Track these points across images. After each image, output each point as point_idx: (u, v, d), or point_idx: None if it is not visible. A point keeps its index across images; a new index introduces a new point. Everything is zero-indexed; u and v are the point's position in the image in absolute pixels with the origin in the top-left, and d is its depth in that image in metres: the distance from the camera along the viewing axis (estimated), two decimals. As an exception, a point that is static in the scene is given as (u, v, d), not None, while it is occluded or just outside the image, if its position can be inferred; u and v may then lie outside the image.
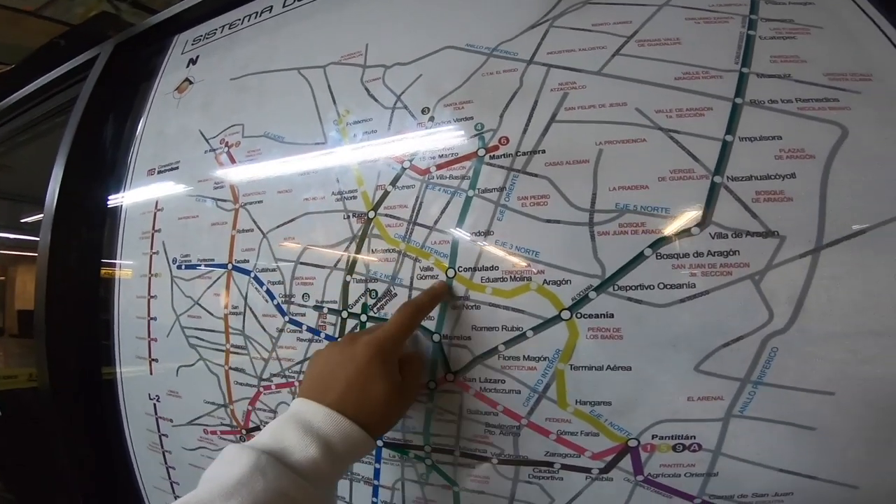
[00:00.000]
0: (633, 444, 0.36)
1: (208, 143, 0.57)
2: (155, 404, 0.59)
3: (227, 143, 0.55)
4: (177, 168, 0.60)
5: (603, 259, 0.36)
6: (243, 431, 0.51)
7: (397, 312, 0.38)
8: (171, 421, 0.57)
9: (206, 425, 0.54)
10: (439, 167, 0.42)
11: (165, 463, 0.60)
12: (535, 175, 0.39)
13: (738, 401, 0.34)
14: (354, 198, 0.45)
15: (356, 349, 0.36)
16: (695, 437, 0.35)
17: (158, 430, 0.59)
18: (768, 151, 0.34)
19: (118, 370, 0.63)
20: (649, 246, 0.35)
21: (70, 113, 0.72)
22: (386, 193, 0.44)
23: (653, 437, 0.35)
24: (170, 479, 0.60)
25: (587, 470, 0.37)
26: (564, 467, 0.38)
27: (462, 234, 0.40)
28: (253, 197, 0.52)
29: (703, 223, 0.35)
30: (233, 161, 0.54)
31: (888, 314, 0.32)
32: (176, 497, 0.60)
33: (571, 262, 0.37)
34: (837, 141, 0.33)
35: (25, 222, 0.90)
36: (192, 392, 0.55)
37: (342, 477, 0.37)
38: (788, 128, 0.34)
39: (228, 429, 0.52)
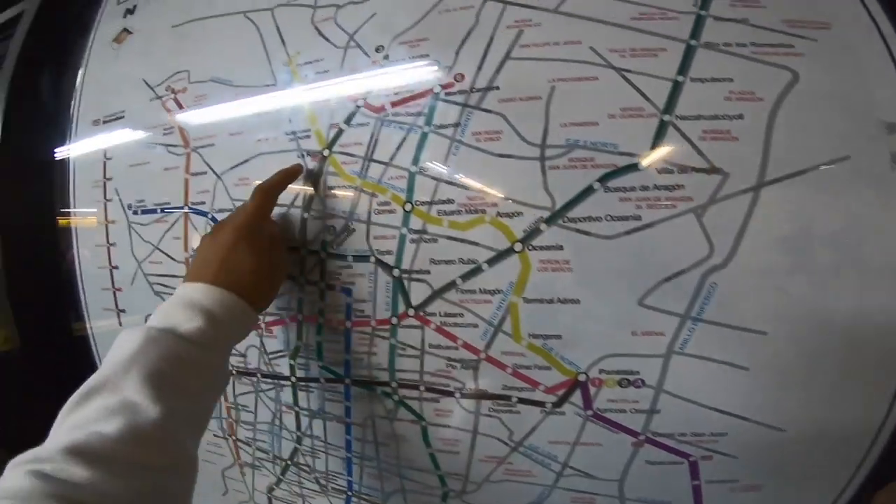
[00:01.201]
0: (582, 378, 0.37)
1: (153, 90, 0.54)
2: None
3: (172, 89, 0.53)
4: (122, 117, 0.57)
5: (553, 192, 0.36)
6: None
7: (252, 195, 0.41)
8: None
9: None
10: (394, 104, 0.41)
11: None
12: (489, 111, 0.38)
13: (679, 337, 0.35)
14: (308, 137, 0.44)
15: (224, 234, 0.40)
16: (639, 373, 0.36)
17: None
18: (718, 93, 0.34)
19: (88, 324, 0.62)
20: (597, 180, 0.35)
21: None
22: (340, 132, 0.43)
23: (600, 371, 0.37)
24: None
25: (541, 404, 0.38)
26: (521, 401, 0.39)
27: (418, 170, 0.40)
28: (204, 141, 0.50)
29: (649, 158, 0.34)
30: (180, 107, 0.52)
31: (822, 254, 0.33)
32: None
33: (523, 195, 0.37)
34: (787, 85, 0.33)
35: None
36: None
37: (231, 348, 0.39)
38: (741, 71, 0.34)
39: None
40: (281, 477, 0.53)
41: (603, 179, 0.35)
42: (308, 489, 0.52)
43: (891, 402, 0.34)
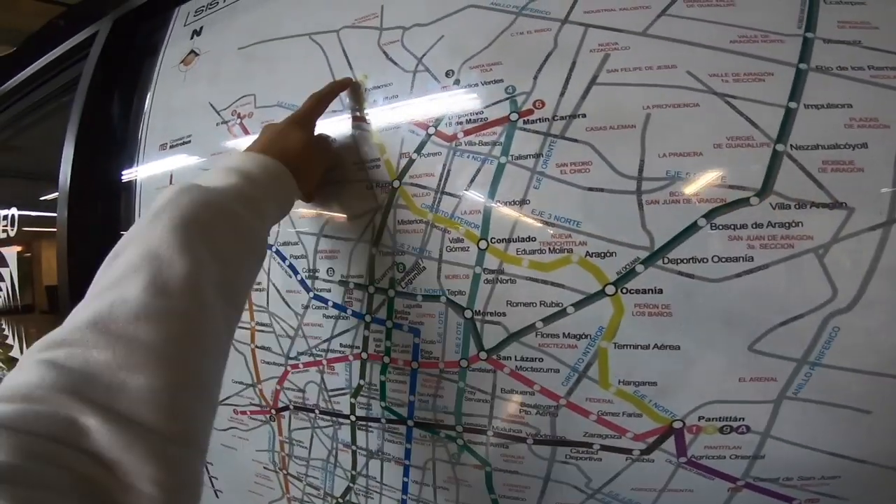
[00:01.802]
0: (677, 425, 0.33)
1: (219, 114, 0.53)
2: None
3: (239, 114, 0.51)
4: (189, 142, 0.56)
5: (651, 230, 0.32)
6: (273, 411, 0.49)
7: (306, 101, 0.42)
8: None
9: (236, 405, 0.52)
10: (467, 133, 0.38)
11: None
12: (576, 140, 0.34)
13: (793, 382, 0.31)
14: (378, 167, 0.41)
15: (280, 126, 0.40)
16: (743, 420, 0.32)
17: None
18: (837, 120, 0.30)
19: None
20: (703, 216, 0.31)
21: (75, 92, 0.68)
22: (411, 161, 0.40)
23: (699, 418, 0.32)
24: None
25: (628, 451, 0.34)
26: (604, 448, 0.35)
27: (495, 204, 0.36)
28: None
29: (763, 193, 0.30)
30: (246, 132, 0.51)
31: None
32: (212, 479, 0.59)
33: (616, 233, 0.33)
34: None
35: (44, 200, 0.87)
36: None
37: (270, 218, 0.36)
38: (860, 96, 0.30)
39: (258, 408, 0.50)
40: (332, 515, 0.50)
41: (709, 216, 0.31)
42: (360, 529, 0.49)
43: None
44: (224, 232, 0.30)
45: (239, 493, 0.56)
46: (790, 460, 0.32)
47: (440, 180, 0.39)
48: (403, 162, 0.40)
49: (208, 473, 0.58)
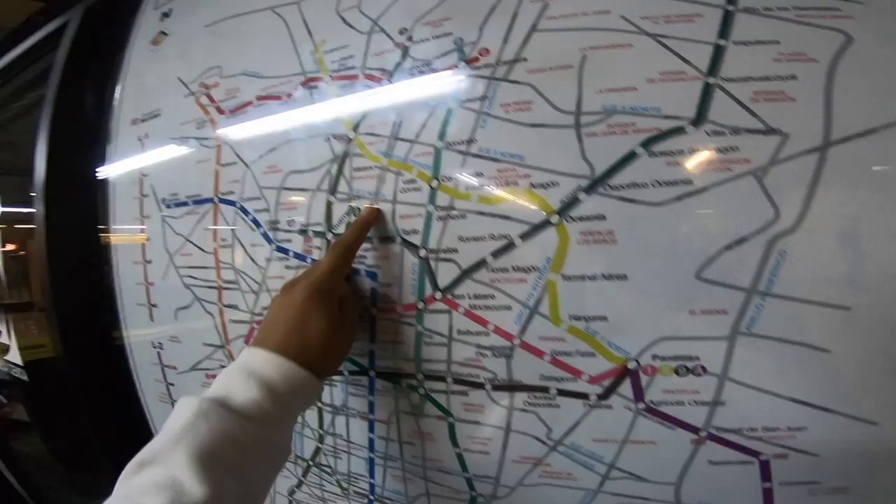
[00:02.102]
0: (632, 366, 0.33)
1: (187, 87, 0.55)
2: (159, 352, 0.57)
3: (205, 84, 0.53)
4: (159, 115, 0.58)
5: (591, 159, 0.33)
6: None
7: (328, 253, 0.38)
8: (176, 368, 0.55)
9: (208, 369, 0.52)
10: (419, 83, 0.39)
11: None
12: (518, 82, 0.35)
13: (745, 315, 0.30)
14: (336, 120, 0.43)
15: (295, 294, 0.36)
16: (699, 359, 0.31)
17: (165, 380, 0.57)
18: (766, 55, 0.31)
19: (123, 321, 0.61)
20: (640, 144, 0.32)
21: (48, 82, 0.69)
22: (365, 115, 0.41)
23: (653, 357, 0.32)
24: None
25: (584, 395, 0.34)
26: (561, 392, 0.35)
27: (445, 145, 0.37)
28: (234, 132, 0.50)
29: (697, 122, 0.31)
30: (212, 101, 0.52)
31: None
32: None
33: (558, 165, 0.34)
34: (841, 47, 0.29)
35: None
36: (191, 336, 0.53)
37: (294, 420, 0.36)
38: (787, 34, 0.30)
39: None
40: (302, 479, 0.50)
41: (647, 144, 0.32)
42: (329, 492, 0.49)
43: None
44: (243, 457, 0.32)
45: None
46: (751, 407, 0.31)
47: (393, 128, 0.40)
48: (358, 116, 0.42)
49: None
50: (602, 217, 0.33)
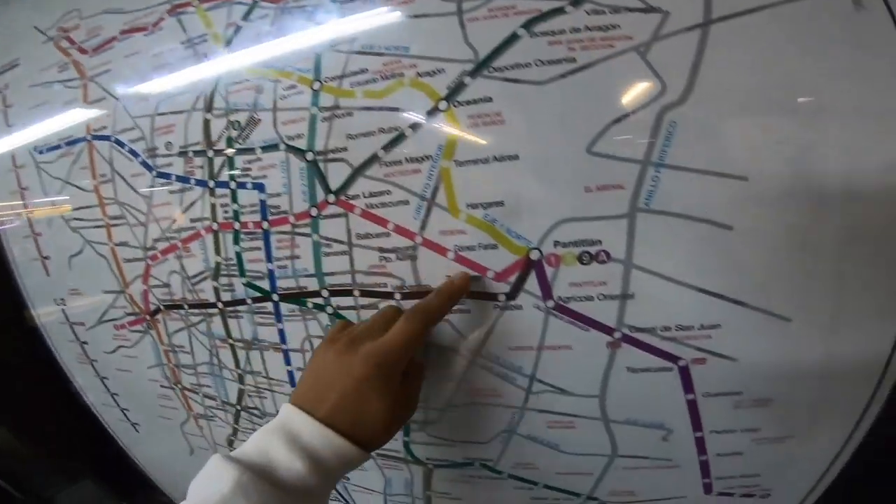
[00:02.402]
0: (535, 256, 0.31)
1: (44, 34, 0.50)
2: (63, 309, 0.53)
3: (64, 28, 0.48)
4: (18, 65, 0.52)
5: (475, 43, 0.31)
6: (147, 317, 0.46)
7: (404, 320, 0.31)
8: (84, 325, 0.51)
9: (114, 319, 0.48)
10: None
11: (98, 374, 0.54)
12: (397, -24, 0.32)
13: (642, 189, 0.29)
14: (206, 41, 0.39)
15: (355, 360, 0.30)
16: (601, 243, 0.30)
17: (77, 339, 0.53)
18: None
19: (19, 279, 0.57)
20: (521, 26, 0.30)
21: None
22: (238, 29, 0.37)
23: (555, 244, 0.31)
24: (108, 391, 0.55)
25: (493, 297, 0.32)
26: (470, 295, 0.33)
27: (325, 46, 0.34)
28: (100, 69, 0.45)
29: (576, 1, 0.28)
30: (72, 43, 0.47)
31: (794, 89, 0.27)
32: (124, 412, 0.56)
33: (443, 52, 0.31)
34: None
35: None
36: (90, 285, 0.49)
37: (334, 487, 0.32)
38: None
39: (133, 318, 0.47)
40: (236, 426, 0.47)
41: (528, 25, 0.29)
42: (265, 436, 0.47)
43: None
44: None
45: (151, 420, 0.54)
46: (661, 300, 0.30)
47: (269, 38, 0.36)
48: (231, 31, 0.38)
49: (119, 406, 0.55)
50: (489, 99, 0.31)
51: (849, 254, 0.27)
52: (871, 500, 0.35)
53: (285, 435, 0.29)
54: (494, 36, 0.30)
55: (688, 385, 0.31)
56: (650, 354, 0.31)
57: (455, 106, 0.31)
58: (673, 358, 0.31)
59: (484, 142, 0.31)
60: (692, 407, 0.32)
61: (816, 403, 0.31)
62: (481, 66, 0.31)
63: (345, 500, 0.48)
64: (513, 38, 0.30)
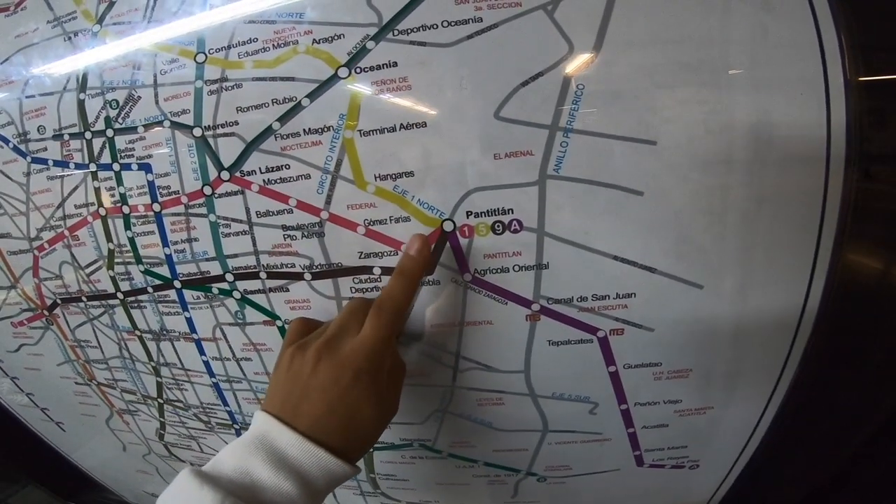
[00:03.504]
0: (448, 227, 0.29)
1: None
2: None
3: None
4: None
5: (378, 6, 0.28)
6: (45, 312, 0.42)
7: (375, 315, 0.28)
8: (-22, 323, 0.47)
9: (10, 317, 0.44)
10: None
11: (6, 374, 0.50)
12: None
13: (551, 155, 0.27)
14: (74, 18, 0.34)
15: (338, 367, 0.28)
16: (513, 212, 0.29)
17: (-24, 339, 0.49)
18: None
19: None
20: None
21: None
22: (111, 4, 0.33)
23: (468, 214, 0.29)
24: (22, 391, 0.51)
25: None
26: (385, 271, 0.31)
27: (208, 17, 0.31)
28: None
29: None
30: None
31: (701, 50, 0.26)
32: (44, 411, 0.52)
33: (343, 16, 0.28)
34: None
35: None
36: (-25, 282, 0.45)
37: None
38: None
39: (31, 314, 0.43)
40: (161, 419, 0.45)
41: None
42: (194, 428, 0.44)
43: (816, 243, 0.27)
44: None
45: (75, 419, 0.50)
46: (576, 270, 0.29)
47: (146, 11, 0.32)
48: (103, 7, 0.34)
49: (38, 406, 0.52)
50: (394, 64, 0.28)
51: (757, 218, 0.27)
52: (792, 466, 0.36)
53: (268, 452, 0.26)
54: (399, -2, 0.28)
55: (608, 357, 0.31)
56: (569, 326, 0.30)
57: (357, 73, 0.28)
58: (592, 329, 0.30)
59: (390, 109, 0.28)
60: (615, 379, 0.31)
61: (733, 372, 0.31)
62: (385, 29, 0.28)
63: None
64: (417, -1, 0.27)
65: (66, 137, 0.35)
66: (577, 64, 0.26)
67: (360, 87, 0.28)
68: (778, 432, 0.33)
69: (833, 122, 0.25)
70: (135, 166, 0.33)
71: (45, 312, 0.42)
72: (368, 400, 0.28)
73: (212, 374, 0.39)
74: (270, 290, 0.33)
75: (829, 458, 0.37)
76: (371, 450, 0.38)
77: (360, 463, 0.37)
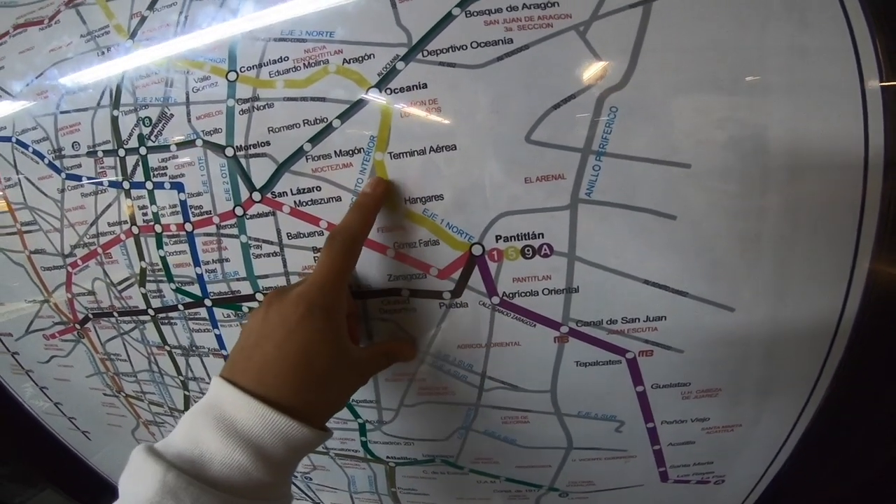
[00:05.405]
0: (477, 251, 0.29)
1: None
2: (-12, 321, 0.49)
3: None
4: None
5: (407, 25, 0.28)
6: (77, 326, 0.43)
7: (325, 250, 0.27)
8: (12, 335, 0.47)
9: (42, 329, 0.45)
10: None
11: (37, 384, 0.51)
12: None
13: (584, 179, 0.27)
14: (107, 33, 0.35)
15: (283, 309, 0.25)
16: (543, 236, 0.28)
17: (8, 350, 0.49)
18: None
19: None
20: (456, 5, 0.27)
21: None
22: (143, 19, 0.34)
23: (497, 238, 0.29)
24: (51, 400, 0.52)
25: (438, 294, 0.30)
26: (414, 293, 0.31)
27: (239, 34, 0.31)
28: None
29: None
30: None
31: (737, 68, 0.25)
32: (71, 420, 0.53)
33: (372, 36, 0.28)
34: None
35: None
36: (10, 295, 0.45)
37: (293, 474, 0.27)
38: None
39: (62, 327, 0.43)
40: (187, 432, 0.45)
41: (462, 4, 0.27)
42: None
43: (853, 257, 0.26)
44: None
45: (101, 428, 0.51)
46: (606, 293, 0.28)
47: (177, 27, 0.32)
48: (135, 22, 0.34)
49: (65, 416, 0.52)
50: (424, 86, 0.28)
51: (793, 239, 0.26)
52: (819, 482, 0.35)
53: (217, 420, 0.23)
54: (428, 16, 0.27)
55: (637, 377, 0.30)
56: (598, 348, 0.30)
57: (387, 94, 0.28)
58: (620, 351, 0.30)
59: (420, 131, 0.28)
60: (642, 399, 0.31)
61: (763, 390, 0.30)
62: (414, 50, 0.28)
63: (311, 499, 0.47)
64: (447, 18, 0.27)
65: (100, 154, 0.36)
66: (610, 86, 0.26)
67: (391, 108, 0.28)
68: (806, 448, 0.32)
69: (871, 130, 0.25)
70: (167, 185, 0.34)
71: (77, 326, 0.42)
72: (324, 336, 0.25)
73: (239, 389, 0.39)
74: (300, 309, 0.33)
75: (857, 473, 0.36)
76: (393, 465, 0.39)
77: (380, 476, 0.36)
